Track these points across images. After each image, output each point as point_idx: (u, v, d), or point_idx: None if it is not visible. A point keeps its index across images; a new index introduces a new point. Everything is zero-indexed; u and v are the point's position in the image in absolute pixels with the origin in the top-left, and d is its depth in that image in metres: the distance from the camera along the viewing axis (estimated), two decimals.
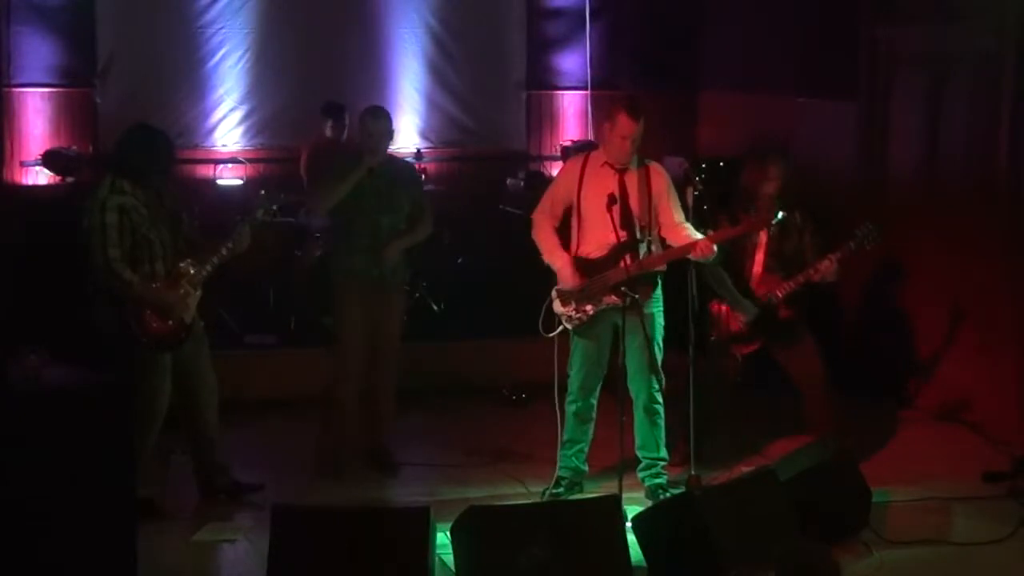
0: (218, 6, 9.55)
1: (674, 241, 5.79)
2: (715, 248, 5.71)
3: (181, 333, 5.65)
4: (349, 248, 6.17)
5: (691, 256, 5.72)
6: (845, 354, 7.39)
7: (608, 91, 9.99)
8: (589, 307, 5.76)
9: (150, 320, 5.54)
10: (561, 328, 5.83)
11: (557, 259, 5.80)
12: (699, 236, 5.75)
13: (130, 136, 5.70)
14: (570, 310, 5.77)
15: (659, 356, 5.75)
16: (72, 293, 5.86)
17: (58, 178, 8.98)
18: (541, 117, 10.57)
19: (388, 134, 6.14)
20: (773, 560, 3.76)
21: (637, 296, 5.56)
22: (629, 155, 5.75)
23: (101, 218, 5.43)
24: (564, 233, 5.91)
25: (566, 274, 5.76)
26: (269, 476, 6.37)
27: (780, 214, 6.00)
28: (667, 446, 5.95)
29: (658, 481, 5.91)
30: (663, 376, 5.75)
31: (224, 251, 5.73)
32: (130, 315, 5.51)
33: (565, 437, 5.94)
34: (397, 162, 6.48)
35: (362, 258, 6.11)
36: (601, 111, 9.85)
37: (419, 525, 4.79)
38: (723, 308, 6.39)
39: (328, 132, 8.92)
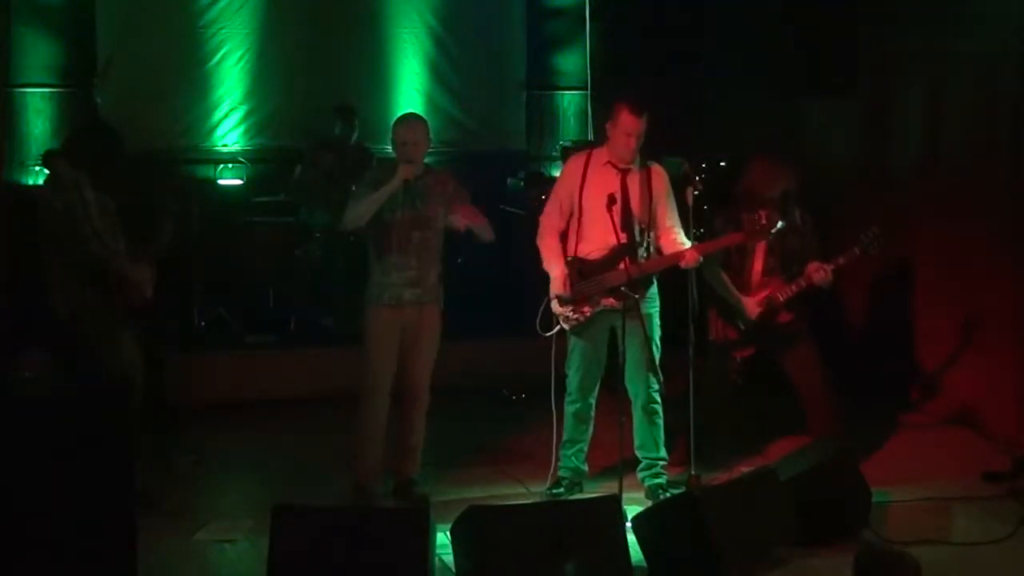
0: (218, 6, 9.55)
1: (663, 245, 5.83)
2: (700, 258, 5.75)
3: (145, 311, 5.77)
4: (380, 268, 5.77)
5: (680, 265, 5.75)
6: (846, 355, 7.38)
7: (608, 91, 9.98)
8: (587, 308, 5.77)
9: (129, 294, 5.65)
10: (559, 328, 5.84)
11: (553, 267, 5.83)
12: (686, 243, 5.80)
13: (90, 133, 5.86)
14: (568, 310, 5.79)
15: (657, 356, 5.75)
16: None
17: None
18: (541, 117, 10.58)
19: (424, 142, 5.72)
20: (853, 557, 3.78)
21: (638, 297, 5.58)
22: (633, 153, 5.75)
23: (79, 195, 5.51)
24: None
25: (557, 285, 5.79)
26: (269, 475, 6.38)
27: (780, 224, 5.97)
28: (666, 446, 5.96)
29: (658, 481, 5.92)
30: (662, 376, 5.76)
31: (155, 249, 5.88)
32: (113, 289, 5.60)
33: (565, 437, 5.95)
34: (434, 174, 5.91)
35: (392, 277, 5.73)
36: (602, 111, 9.86)
37: (419, 525, 4.79)
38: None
39: (336, 132, 8.97)
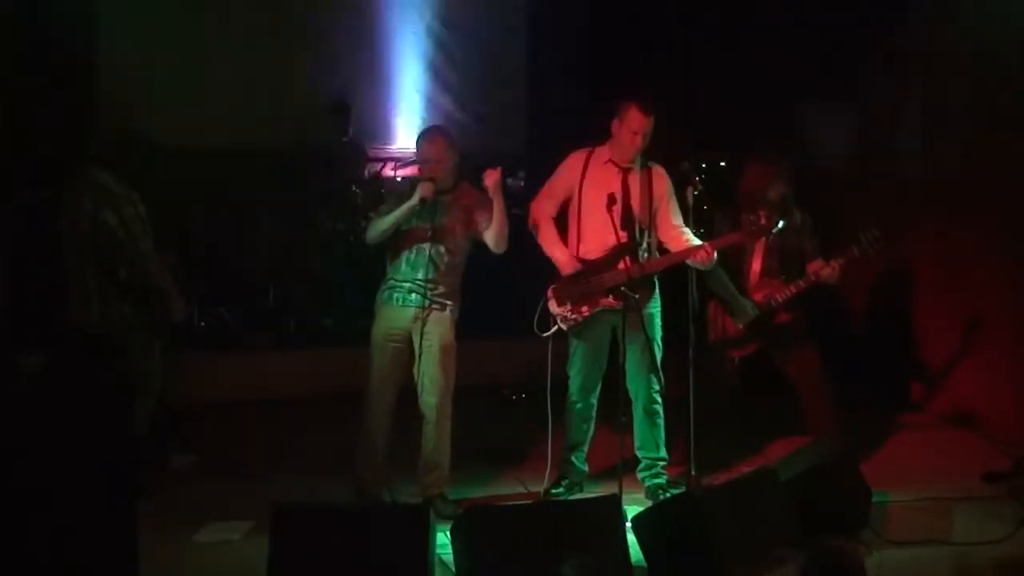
0: (218, 5, 9.55)
1: (671, 245, 5.79)
2: (715, 255, 5.71)
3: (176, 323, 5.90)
4: (391, 271, 5.72)
5: (691, 262, 5.72)
6: (846, 356, 7.38)
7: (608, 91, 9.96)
8: (585, 308, 5.76)
9: (167, 308, 5.72)
10: (556, 328, 5.81)
11: (556, 249, 5.80)
12: (697, 241, 5.75)
13: (129, 142, 5.83)
14: (565, 310, 5.76)
15: (658, 356, 5.75)
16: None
17: None
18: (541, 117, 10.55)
19: (446, 158, 5.63)
20: (802, 556, 3.75)
21: (638, 297, 5.57)
22: (637, 151, 5.74)
23: (135, 210, 5.59)
24: (561, 231, 5.91)
25: (564, 262, 5.75)
26: (269, 475, 6.38)
27: (780, 223, 5.96)
28: (667, 446, 5.96)
29: (658, 481, 5.91)
30: (663, 376, 5.75)
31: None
32: (153, 303, 5.68)
33: (565, 437, 5.95)
34: (461, 188, 5.76)
35: (400, 282, 5.66)
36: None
37: (419, 525, 4.79)
38: (720, 310, 6.40)
39: (331, 130, 8.98)
